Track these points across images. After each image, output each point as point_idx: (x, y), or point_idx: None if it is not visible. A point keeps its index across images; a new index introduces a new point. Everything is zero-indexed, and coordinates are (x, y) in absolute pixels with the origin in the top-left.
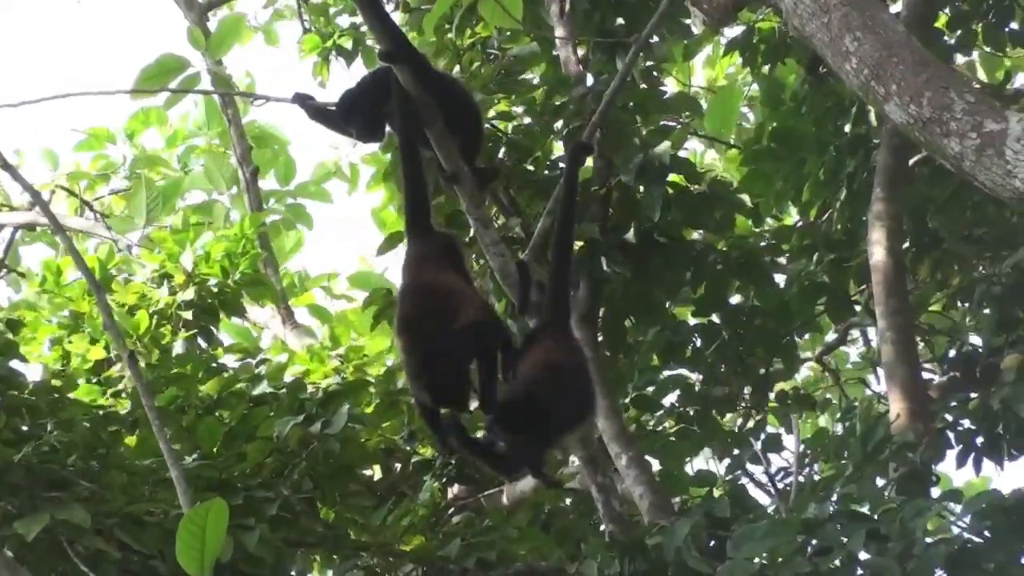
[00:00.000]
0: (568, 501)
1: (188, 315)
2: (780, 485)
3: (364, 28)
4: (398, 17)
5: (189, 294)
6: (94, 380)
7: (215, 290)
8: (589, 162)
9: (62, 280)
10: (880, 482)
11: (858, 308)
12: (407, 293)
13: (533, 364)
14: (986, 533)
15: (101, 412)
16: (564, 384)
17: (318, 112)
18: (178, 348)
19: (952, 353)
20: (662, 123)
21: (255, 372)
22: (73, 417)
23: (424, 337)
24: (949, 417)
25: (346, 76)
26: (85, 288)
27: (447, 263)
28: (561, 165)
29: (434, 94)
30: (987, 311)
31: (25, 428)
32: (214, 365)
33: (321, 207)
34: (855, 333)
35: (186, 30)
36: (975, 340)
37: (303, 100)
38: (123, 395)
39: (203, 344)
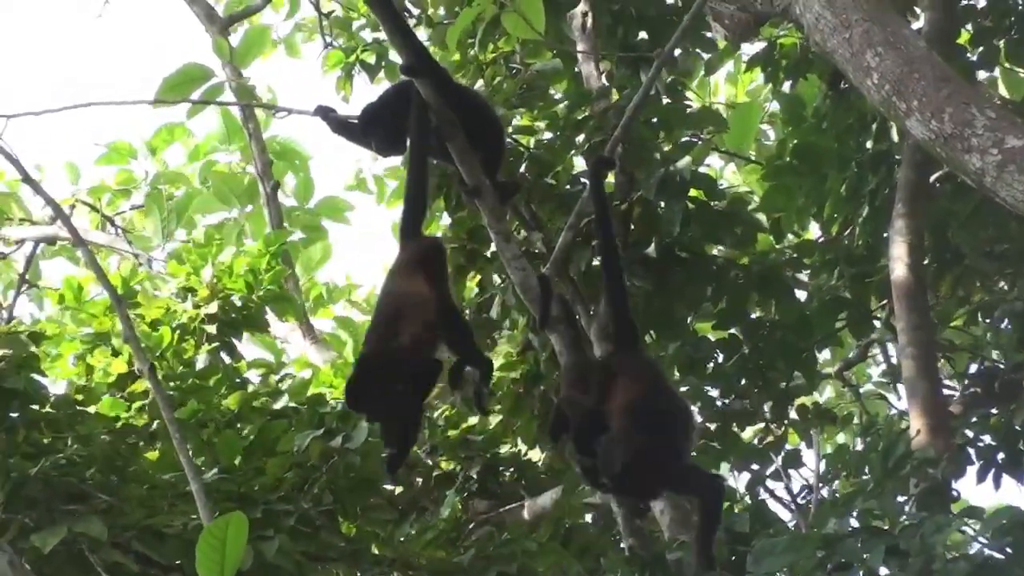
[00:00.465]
0: (589, 516)
1: (212, 329)
2: (800, 501)
3: (387, 43)
4: (421, 32)
5: (212, 308)
6: (117, 395)
7: (239, 304)
8: (610, 177)
9: (83, 296)
10: (900, 498)
11: (878, 324)
12: (376, 303)
13: (620, 411)
14: (1008, 550)
15: (120, 425)
16: (655, 423)
17: (340, 125)
18: (201, 363)
19: (973, 369)
20: (685, 139)
21: (276, 387)
22: (92, 431)
23: (367, 347)
24: (970, 433)
25: (369, 91)
26: (107, 304)
27: (420, 268)
28: (582, 180)
29: (456, 108)
30: (1008, 327)
31: (46, 442)
32: (237, 380)
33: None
34: (875, 349)
35: (212, 40)
36: (996, 356)
37: (325, 113)
38: (145, 409)
39: (226, 359)
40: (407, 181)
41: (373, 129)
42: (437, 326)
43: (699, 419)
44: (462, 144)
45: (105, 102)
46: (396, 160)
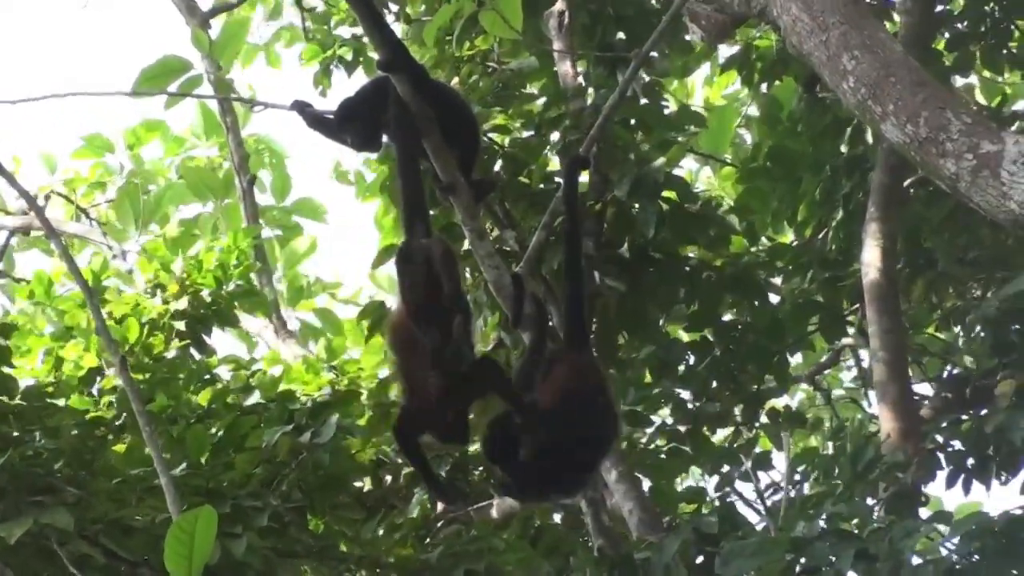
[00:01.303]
0: (557, 516)
1: (181, 325)
2: (769, 502)
3: (365, 39)
4: (399, 29)
5: (182, 304)
6: (86, 392)
7: (208, 300)
8: (584, 176)
9: (53, 291)
10: (869, 501)
11: (851, 330)
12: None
13: (552, 392)
14: (975, 556)
15: (88, 419)
16: (582, 413)
17: (316, 120)
18: (170, 358)
19: (944, 374)
20: (665, 139)
21: (247, 382)
22: (60, 424)
23: None
24: (940, 438)
25: (348, 86)
26: (78, 299)
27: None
28: (557, 179)
29: (432, 105)
30: (981, 333)
31: (15, 434)
32: (207, 376)
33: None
34: (847, 354)
35: (190, 32)
36: (968, 361)
37: (301, 107)
38: (114, 404)
39: (196, 355)
40: (400, 183)
41: (349, 124)
42: None
43: (670, 421)
44: (437, 141)
45: (83, 92)
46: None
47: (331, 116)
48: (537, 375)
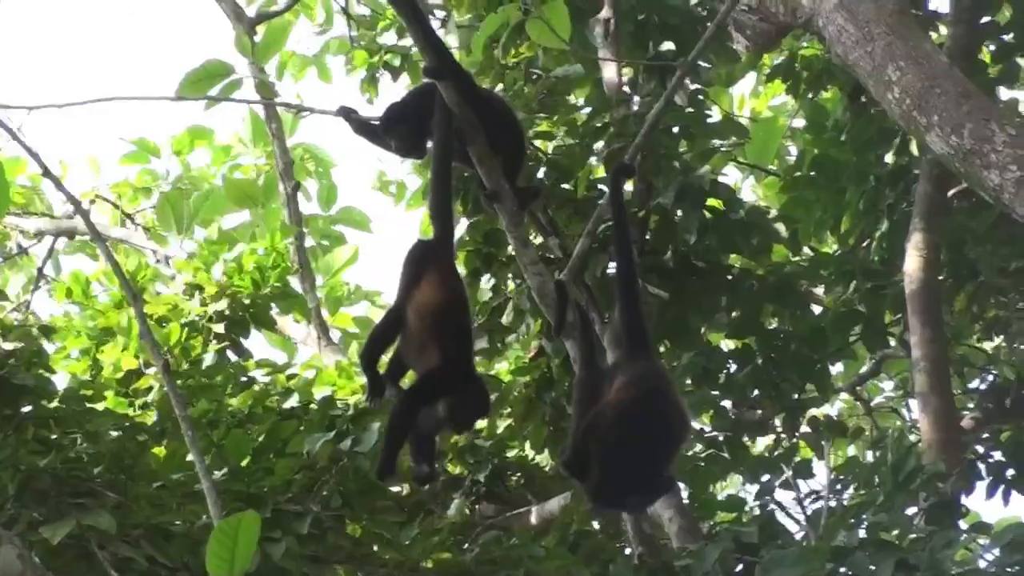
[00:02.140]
0: (596, 523)
1: (219, 327)
2: (809, 511)
3: (412, 46)
4: (443, 36)
5: (221, 305)
6: (122, 392)
7: (246, 302)
8: (629, 184)
9: (90, 291)
10: (910, 511)
11: (892, 341)
12: None
13: (614, 403)
14: (1016, 567)
15: (128, 423)
16: (645, 421)
17: (361, 126)
18: (208, 361)
19: (985, 385)
20: (707, 148)
21: (287, 386)
22: (100, 428)
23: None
24: (980, 449)
25: (394, 93)
26: (116, 300)
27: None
28: (600, 187)
29: (477, 112)
30: (1022, 344)
31: (54, 438)
32: (244, 379)
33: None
34: (888, 364)
35: (234, 35)
36: (1007, 373)
37: (347, 113)
38: (151, 405)
39: (233, 357)
40: (432, 186)
41: (394, 130)
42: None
43: (709, 430)
44: (483, 147)
45: (127, 97)
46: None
47: (376, 122)
48: (604, 386)
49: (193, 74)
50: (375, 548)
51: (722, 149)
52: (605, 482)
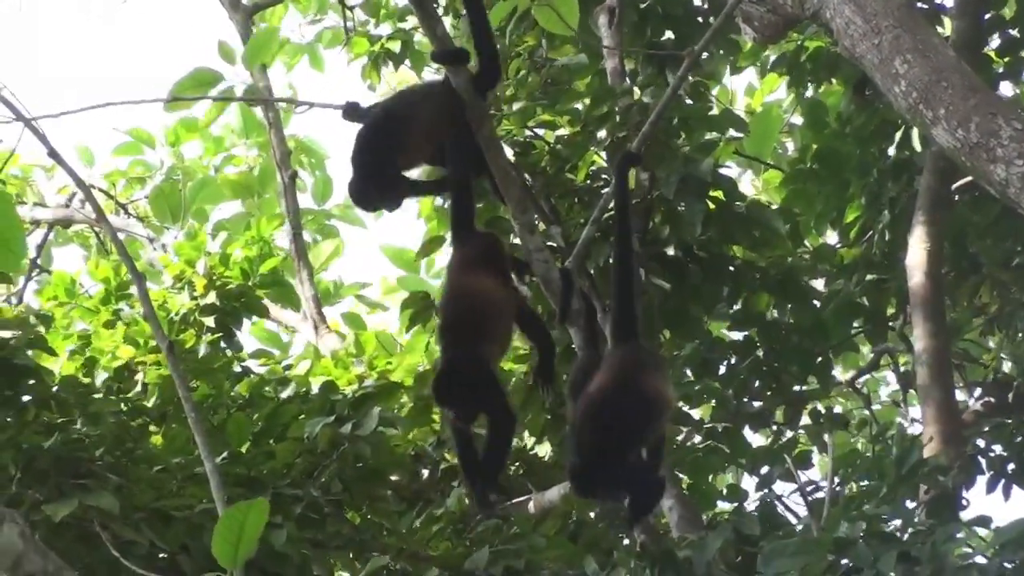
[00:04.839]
0: (595, 512)
1: (210, 321)
2: (810, 500)
3: (413, 30)
4: (447, 22)
5: (210, 298)
6: (114, 388)
7: (236, 293)
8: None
9: (76, 290)
10: (910, 504)
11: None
12: (446, 301)
13: (587, 394)
14: (1015, 562)
15: (128, 406)
16: (611, 409)
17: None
18: (202, 352)
19: (987, 379)
20: (706, 139)
21: (283, 375)
22: (100, 411)
23: (450, 346)
24: (981, 443)
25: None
26: (105, 293)
27: (486, 266)
28: (603, 176)
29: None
30: None
31: (59, 420)
32: (238, 370)
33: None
34: (888, 358)
35: (216, 44)
36: (1009, 368)
37: (354, 109)
38: (149, 391)
39: (226, 350)
40: (450, 176)
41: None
42: (523, 325)
43: (708, 421)
44: (490, 133)
45: (121, 102)
46: None
47: None
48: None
49: (181, 83)
50: (375, 536)
51: (721, 141)
52: (581, 468)
